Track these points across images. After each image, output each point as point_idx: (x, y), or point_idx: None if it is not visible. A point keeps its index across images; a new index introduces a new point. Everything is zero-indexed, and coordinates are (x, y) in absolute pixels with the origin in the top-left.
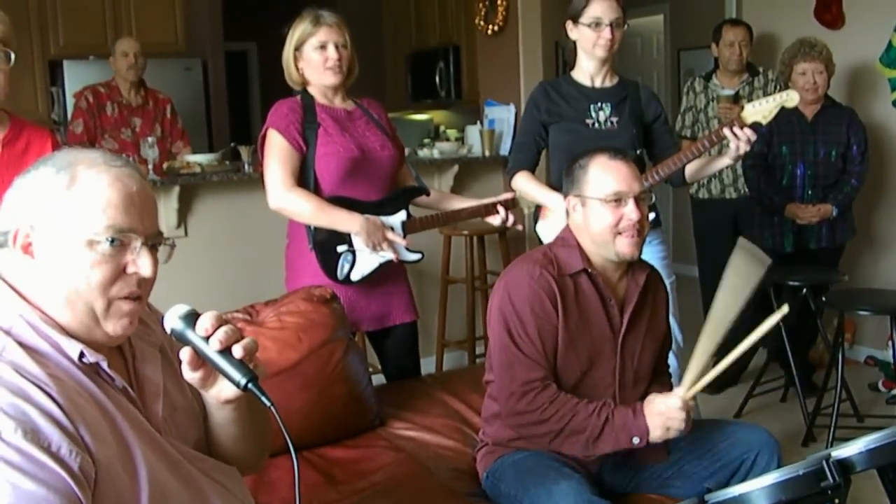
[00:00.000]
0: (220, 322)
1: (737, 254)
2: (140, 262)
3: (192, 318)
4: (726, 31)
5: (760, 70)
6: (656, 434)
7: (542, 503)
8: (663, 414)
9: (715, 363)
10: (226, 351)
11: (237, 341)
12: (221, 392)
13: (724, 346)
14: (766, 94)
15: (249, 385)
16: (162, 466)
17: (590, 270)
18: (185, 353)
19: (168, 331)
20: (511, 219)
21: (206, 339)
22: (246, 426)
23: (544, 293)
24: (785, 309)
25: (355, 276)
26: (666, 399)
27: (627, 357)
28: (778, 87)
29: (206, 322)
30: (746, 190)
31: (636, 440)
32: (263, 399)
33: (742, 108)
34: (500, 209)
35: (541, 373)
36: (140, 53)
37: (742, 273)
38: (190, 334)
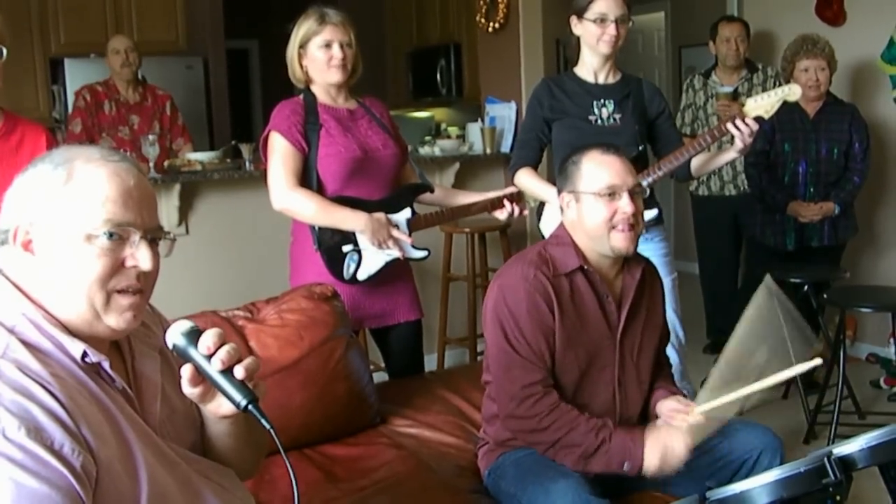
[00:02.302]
0: (223, 340)
1: (761, 293)
2: (139, 256)
3: (194, 335)
4: (722, 28)
5: (760, 67)
6: (650, 467)
7: (539, 502)
8: (665, 451)
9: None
10: (227, 371)
11: (239, 361)
12: (220, 408)
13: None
14: (764, 90)
15: (249, 407)
16: (161, 467)
17: (585, 268)
18: (185, 370)
19: (170, 346)
20: (517, 210)
21: (208, 357)
22: (242, 439)
23: (539, 295)
24: (818, 361)
25: (361, 276)
26: (674, 440)
27: (627, 353)
28: (777, 84)
29: (208, 340)
30: (746, 187)
31: (627, 466)
32: (263, 422)
33: (742, 104)
34: (507, 203)
35: (539, 375)
36: (132, 50)
37: (764, 318)
38: (192, 351)
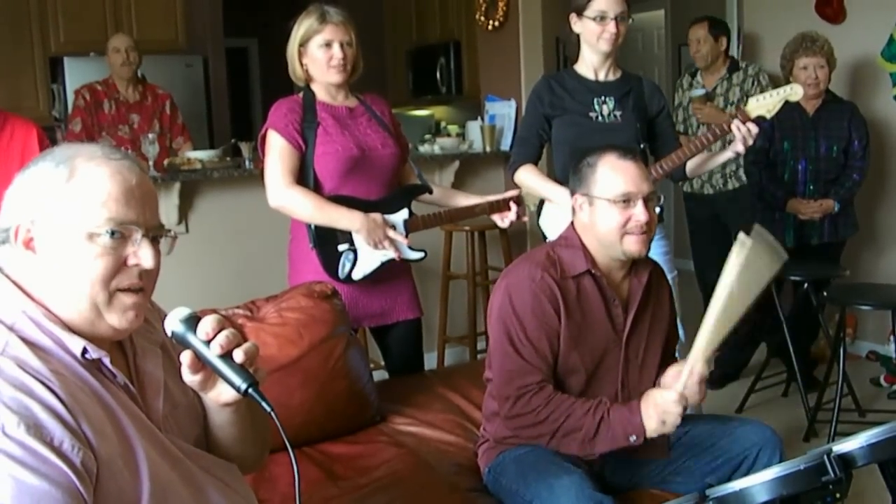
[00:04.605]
0: (222, 326)
1: (751, 241)
2: (141, 254)
3: (193, 321)
4: (690, 31)
5: (742, 65)
6: (651, 427)
7: (543, 498)
8: (659, 406)
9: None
10: (226, 355)
11: (238, 345)
12: (221, 395)
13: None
14: (742, 90)
15: (250, 390)
16: (163, 463)
17: (594, 271)
18: (185, 357)
19: (169, 334)
20: (519, 214)
21: (207, 342)
22: (245, 428)
23: (545, 297)
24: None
25: (357, 275)
26: (663, 392)
27: (632, 356)
28: (755, 83)
29: (207, 326)
30: (723, 186)
31: (633, 438)
32: (263, 405)
33: (716, 106)
34: (513, 206)
35: (538, 377)
36: (133, 49)
37: (753, 266)
38: (191, 338)
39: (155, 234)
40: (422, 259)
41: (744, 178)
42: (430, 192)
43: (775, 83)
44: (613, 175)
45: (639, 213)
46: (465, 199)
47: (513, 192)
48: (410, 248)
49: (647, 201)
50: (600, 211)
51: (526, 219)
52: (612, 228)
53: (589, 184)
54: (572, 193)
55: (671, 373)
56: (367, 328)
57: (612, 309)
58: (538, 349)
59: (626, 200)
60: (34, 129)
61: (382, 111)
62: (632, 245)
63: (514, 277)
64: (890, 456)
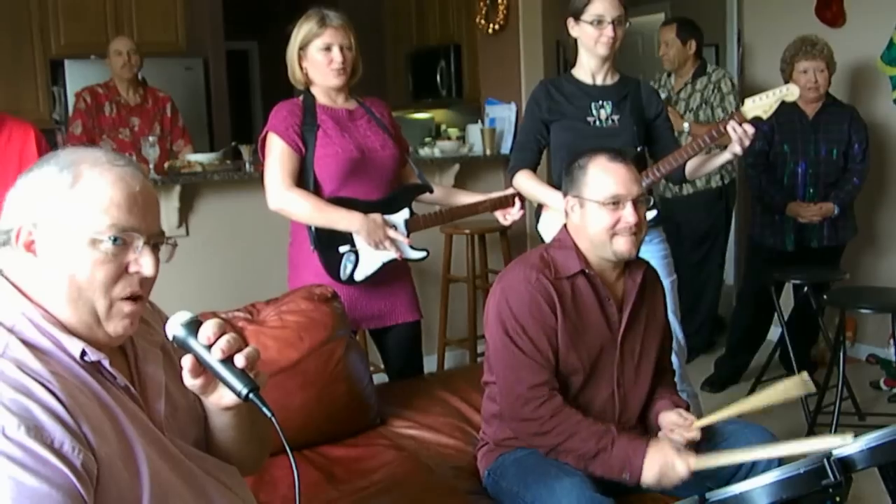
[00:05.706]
0: (223, 330)
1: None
2: (142, 262)
3: (194, 325)
4: (660, 32)
5: (708, 71)
6: (648, 477)
7: (543, 500)
8: (667, 466)
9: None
10: (228, 360)
11: (239, 350)
12: (222, 399)
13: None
14: (702, 96)
15: (250, 395)
16: (164, 465)
17: (587, 271)
18: (186, 361)
19: (170, 338)
20: (520, 213)
21: (209, 347)
22: (245, 431)
23: (541, 297)
24: (805, 376)
25: (359, 276)
26: (676, 458)
27: (627, 356)
28: (716, 90)
29: (208, 330)
30: (679, 191)
31: (626, 476)
32: (264, 410)
33: (679, 113)
34: (516, 202)
35: (545, 376)
36: (134, 51)
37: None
38: (192, 342)
39: (156, 241)
40: (423, 259)
41: (698, 183)
42: (431, 191)
43: (748, 90)
44: (604, 177)
45: (628, 214)
46: (466, 198)
47: (514, 189)
48: (412, 247)
49: (637, 203)
50: (590, 212)
51: (523, 212)
52: (602, 230)
53: (580, 186)
54: (564, 195)
55: (672, 417)
56: (366, 331)
57: (607, 308)
58: (539, 347)
59: (616, 203)
60: (32, 130)
61: (382, 113)
62: (621, 245)
63: (510, 280)
64: (890, 459)
